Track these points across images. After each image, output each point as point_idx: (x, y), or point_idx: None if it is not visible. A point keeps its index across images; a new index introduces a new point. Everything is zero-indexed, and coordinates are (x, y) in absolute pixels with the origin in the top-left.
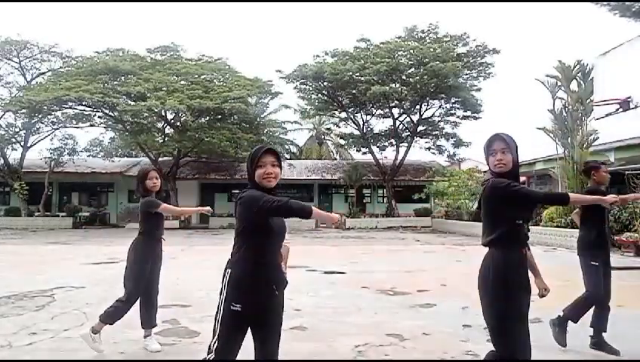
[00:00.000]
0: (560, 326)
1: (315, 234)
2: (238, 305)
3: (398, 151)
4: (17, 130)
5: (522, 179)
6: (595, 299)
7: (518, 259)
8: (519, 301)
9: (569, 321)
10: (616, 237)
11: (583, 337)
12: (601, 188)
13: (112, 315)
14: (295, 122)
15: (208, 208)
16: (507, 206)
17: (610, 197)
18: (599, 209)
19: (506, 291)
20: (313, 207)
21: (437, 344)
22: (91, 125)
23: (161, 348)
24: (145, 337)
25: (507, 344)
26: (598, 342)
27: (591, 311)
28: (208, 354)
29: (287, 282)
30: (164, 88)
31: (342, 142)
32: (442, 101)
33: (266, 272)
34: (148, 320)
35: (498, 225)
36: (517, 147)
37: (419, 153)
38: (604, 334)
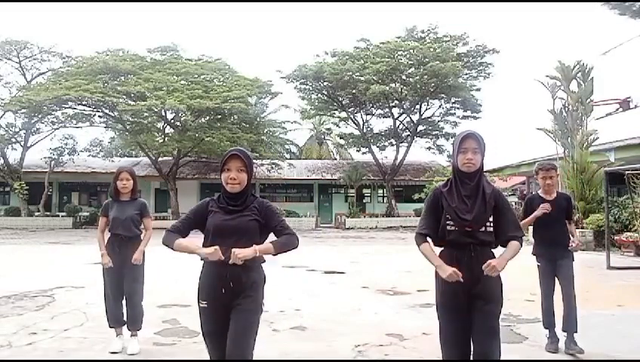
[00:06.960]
0: (570, 343)
1: (315, 234)
2: (204, 302)
3: (398, 151)
4: (17, 130)
5: (522, 179)
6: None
7: (450, 258)
8: (442, 298)
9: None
10: (616, 237)
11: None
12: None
13: (108, 316)
14: (295, 122)
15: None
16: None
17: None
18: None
19: (436, 287)
20: (177, 242)
21: (437, 344)
22: (91, 125)
23: (140, 350)
24: (131, 336)
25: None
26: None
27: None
28: None
29: (256, 281)
30: (164, 88)
31: (342, 142)
32: (442, 101)
33: (218, 271)
34: (130, 322)
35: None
36: (485, 148)
37: (419, 153)
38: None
